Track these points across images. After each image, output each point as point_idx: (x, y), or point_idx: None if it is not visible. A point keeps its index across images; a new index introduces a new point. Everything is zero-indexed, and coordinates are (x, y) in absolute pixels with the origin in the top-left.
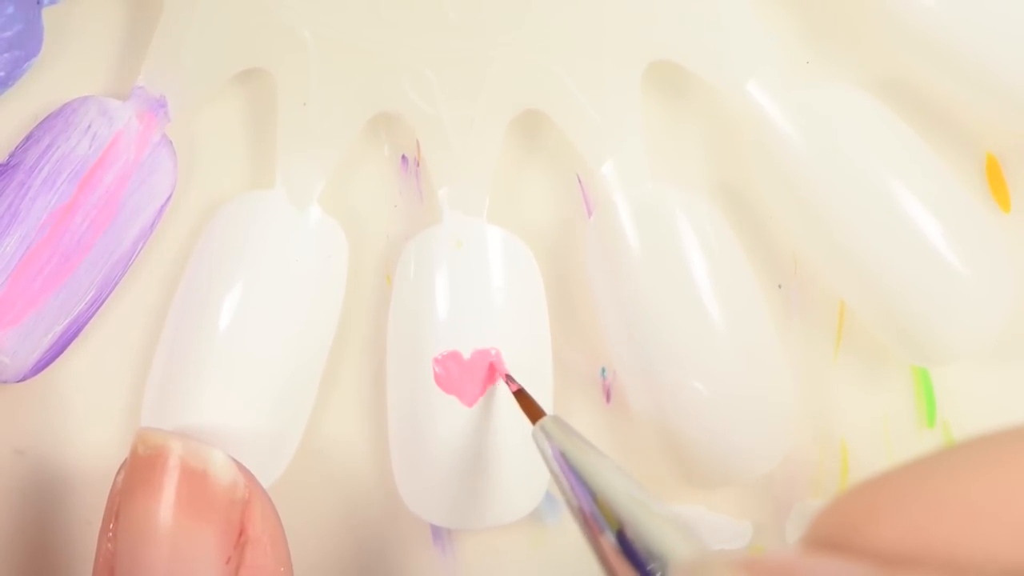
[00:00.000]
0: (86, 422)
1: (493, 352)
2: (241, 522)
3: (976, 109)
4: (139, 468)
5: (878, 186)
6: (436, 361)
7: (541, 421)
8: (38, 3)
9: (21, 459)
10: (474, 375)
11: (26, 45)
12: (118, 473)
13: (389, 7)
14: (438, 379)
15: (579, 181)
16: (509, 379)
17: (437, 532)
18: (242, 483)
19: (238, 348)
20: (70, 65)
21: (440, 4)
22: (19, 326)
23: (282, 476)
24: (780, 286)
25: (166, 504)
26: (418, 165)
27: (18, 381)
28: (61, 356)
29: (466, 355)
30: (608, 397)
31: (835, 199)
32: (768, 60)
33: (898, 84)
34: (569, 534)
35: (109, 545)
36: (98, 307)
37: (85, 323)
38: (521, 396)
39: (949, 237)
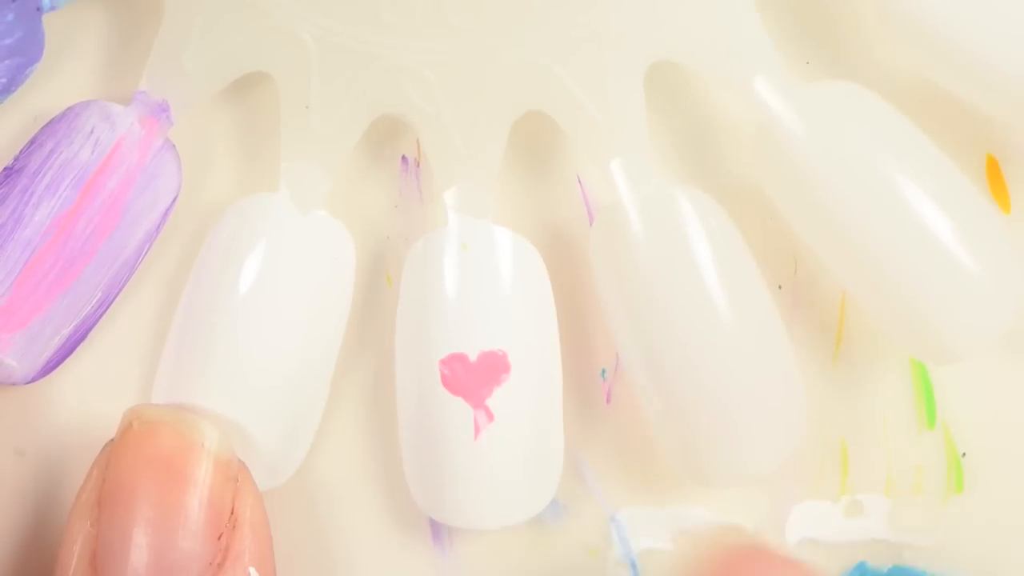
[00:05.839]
0: (89, 423)
1: (500, 353)
2: (232, 502)
3: (978, 107)
4: (133, 443)
5: (887, 182)
6: (442, 363)
7: None
8: (38, 9)
9: (23, 460)
10: (481, 377)
11: (27, 51)
12: (103, 451)
13: (389, 10)
14: (445, 381)
15: (579, 183)
16: None
17: (437, 532)
18: (236, 462)
19: (245, 352)
20: (71, 71)
21: (440, 6)
22: (26, 329)
23: None
24: (780, 286)
25: (160, 476)
26: (418, 165)
27: (26, 383)
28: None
29: (472, 357)
30: (608, 398)
31: (843, 195)
32: (770, 60)
33: (898, 84)
34: (569, 535)
35: (90, 526)
36: (104, 310)
37: (92, 326)
38: None
39: (958, 234)
